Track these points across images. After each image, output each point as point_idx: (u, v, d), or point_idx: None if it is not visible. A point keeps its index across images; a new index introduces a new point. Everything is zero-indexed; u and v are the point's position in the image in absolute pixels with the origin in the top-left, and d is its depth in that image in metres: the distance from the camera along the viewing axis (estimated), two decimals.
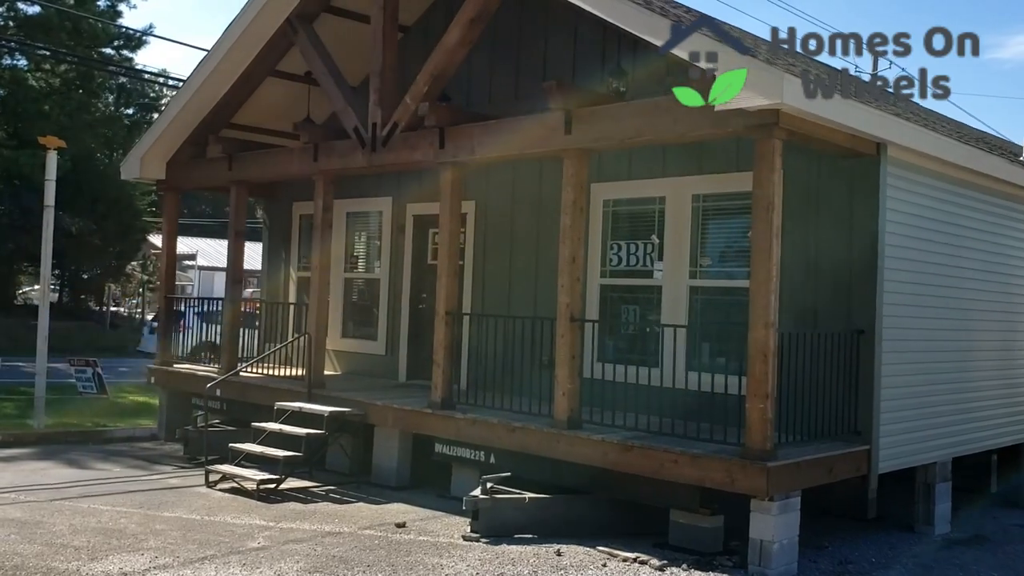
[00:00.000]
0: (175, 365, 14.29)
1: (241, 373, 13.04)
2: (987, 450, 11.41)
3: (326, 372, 12.44)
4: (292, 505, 9.93)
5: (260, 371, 12.87)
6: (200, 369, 13.82)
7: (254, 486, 10.28)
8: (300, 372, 12.64)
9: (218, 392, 12.88)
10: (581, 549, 8.48)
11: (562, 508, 9.11)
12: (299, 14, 12.09)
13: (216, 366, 13.66)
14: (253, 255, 58.55)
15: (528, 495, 9.01)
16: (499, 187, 12.22)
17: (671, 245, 10.56)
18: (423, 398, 11.22)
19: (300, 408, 11.10)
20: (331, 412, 10.81)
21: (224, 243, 57.10)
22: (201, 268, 40.95)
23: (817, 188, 9.52)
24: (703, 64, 7.80)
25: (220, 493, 10.39)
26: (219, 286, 57.01)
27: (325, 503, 10.09)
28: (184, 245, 55.00)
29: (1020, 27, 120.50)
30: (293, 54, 12.95)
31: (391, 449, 10.99)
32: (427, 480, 10.91)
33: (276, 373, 12.80)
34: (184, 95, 13.31)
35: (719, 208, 10.36)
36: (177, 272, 46.67)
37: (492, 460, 9.94)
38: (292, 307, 14.66)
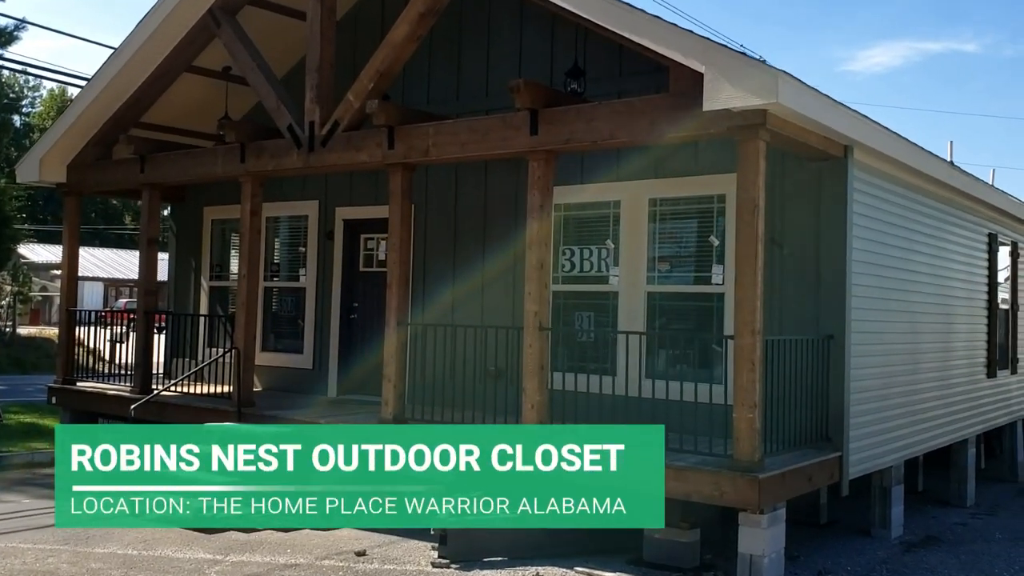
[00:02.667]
0: (79, 383, 13.18)
1: (157, 391, 12.11)
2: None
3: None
4: (233, 534, 9.13)
5: (176, 389, 11.94)
6: (110, 388, 12.76)
7: None
8: (219, 389, 11.82)
9: (132, 413, 11.94)
10: (559, 571, 8.05)
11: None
12: (222, 6, 11.29)
13: (127, 384, 12.66)
14: (123, 262, 54.91)
15: None
16: (440, 189, 11.68)
17: (627, 250, 10.26)
18: (367, 414, 10.63)
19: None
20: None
21: (92, 251, 54.46)
22: None
23: (782, 191, 9.36)
24: (693, 64, 7.50)
25: None
26: (88, 296, 54.30)
27: (267, 531, 9.33)
28: (50, 253, 52.07)
29: (869, 43, 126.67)
30: (210, 49, 12.13)
31: None
32: None
33: (192, 390, 11.91)
34: (91, 91, 12.27)
35: (677, 212, 10.11)
36: (44, 283, 43.84)
37: None
38: (204, 319, 13.79)
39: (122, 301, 46.37)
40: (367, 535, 9.18)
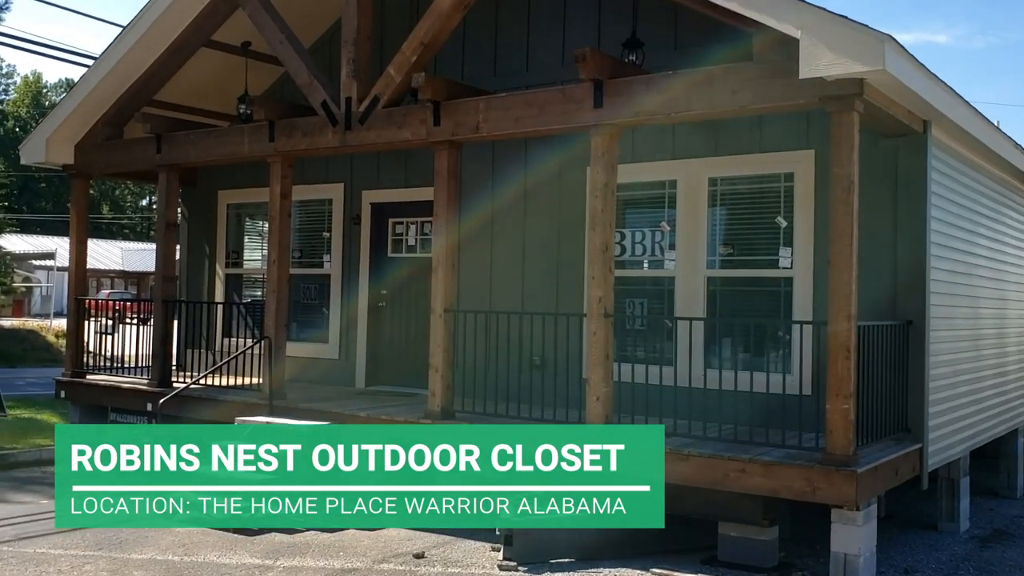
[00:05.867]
0: (89, 376, 12.51)
1: (175, 384, 11.49)
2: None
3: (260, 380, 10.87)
4: (276, 536, 8.55)
5: (200, 382, 11.29)
6: (124, 381, 12.10)
7: None
8: (244, 380, 11.23)
9: (154, 407, 11.31)
10: (633, 572, 7.56)
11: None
12: None
13: (143, 377, 12.02)
14: (103, 252, 54.13)
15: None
16: (474, 169, 11.06)
17: (684, 233, 9.74)
18: (406, 406, 10.08)
19: (269, 423, 9.69)
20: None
21: (68, 241, 53.58)
22: (59, 269, 37.73)
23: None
24: (787, 29, 6.97)
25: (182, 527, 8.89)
26: (66, 287, 53.16)
27: (311, 531, 8.76)
28: (26, 243, 50.82)
29: None
30: (227, 25, 11.47)
31: None
32: None
33: (213, 382, 11.26)
34: (102, 68, 11.56)
35: (739, 192, 9.60)
36: (26, 273, 42.80)
37: None
38: (220, 307, 13.14)
39: (104, 292, 45.44)
40: (418, 535, 8.64)
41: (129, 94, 11.85)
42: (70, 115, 12.03)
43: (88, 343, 13.39)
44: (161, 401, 9.97)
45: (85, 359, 12.72)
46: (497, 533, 7.88)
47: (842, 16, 6.77)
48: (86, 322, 12.79)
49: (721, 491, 7.67)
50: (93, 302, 13.83)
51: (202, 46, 11.68)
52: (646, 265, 10.08)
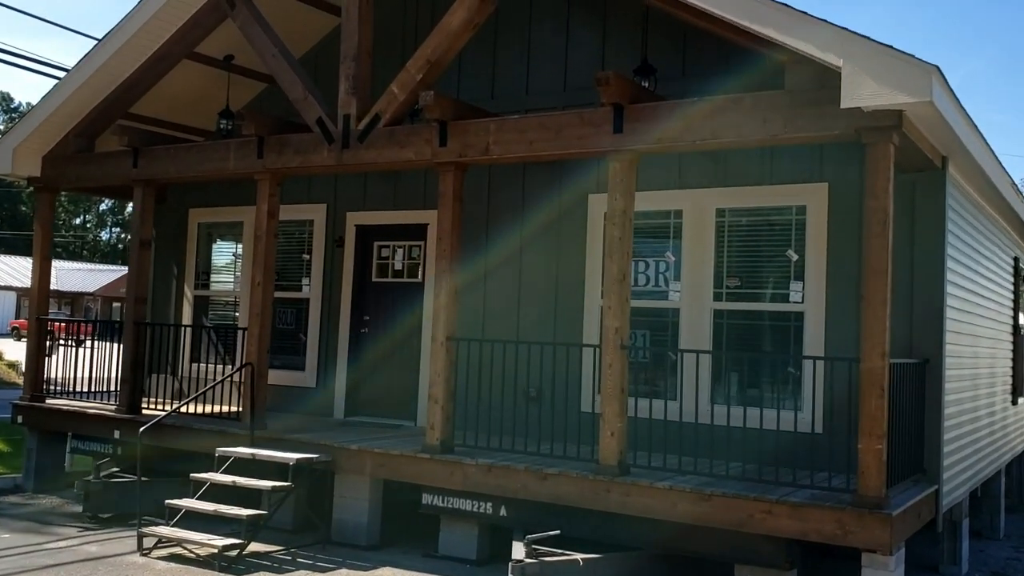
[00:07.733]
0: (49, 401, 11.79)
1: (145, 410, 10.89)
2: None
3: (238, 408, 10.34)
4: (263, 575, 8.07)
5: (163, 408, 10.68)
6: (89, 406, 11.40)
7: (211, 552, 8.31)
8: (218, 408, 10.66)
9: (116, 434, 10.71)
10: None
11: (615, 569, 7.79)
12: None
13: (108, 403, 11.36)
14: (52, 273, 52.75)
15: (580, 556, 7.62)
16: (470, 194, 10.71)
17: (690, 264, 9.50)
18: (395, 439, 9.66)
19: (254, 455, 9.16)
20: (299, 459, 8.95)
21: (2, 259, 51.71)
22: None
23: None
24: (828, 57, 6.79)
25: (163, 563, 8.31)
26: (6, 307, 51.41)
27: (303, 571, 8.26)
28: None
29: None
30: (209, 38, 11.00)
31: (359, 501, 9.26)
32: (398, 537, 9.31)
33: (188, 410, 10.65)
34: (79, 75, 10.94)
35: (747, 224, 9.38)
36: None
37: (503, 512, 8.48)
38: (188, 330, 12.54)
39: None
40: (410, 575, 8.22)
41: (105, 105, 11.27)
42: (41, 125, 11.36)
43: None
44: (141, 430, 9.34)
45: (45, 384, 11.98)
46: (511, 574, 7.47)
47: (888, 45, 6.61)
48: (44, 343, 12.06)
49: (742, 532, 7.38)
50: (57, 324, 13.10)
51: (184, 58, 11.17)
52: (650, 296, 9.80)
